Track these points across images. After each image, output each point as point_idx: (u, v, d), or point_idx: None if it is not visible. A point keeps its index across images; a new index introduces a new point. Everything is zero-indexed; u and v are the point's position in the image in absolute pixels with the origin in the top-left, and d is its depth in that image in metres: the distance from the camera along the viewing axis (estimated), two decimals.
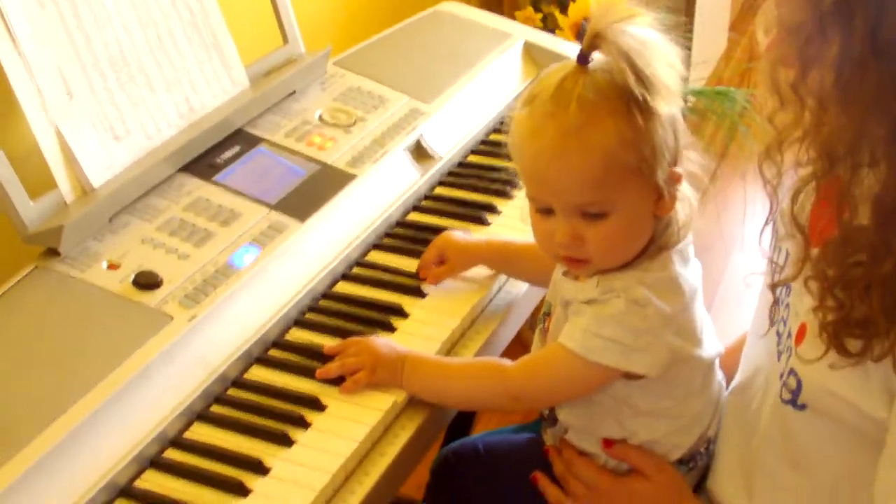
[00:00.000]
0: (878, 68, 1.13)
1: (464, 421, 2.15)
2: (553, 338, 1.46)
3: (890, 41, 1.13)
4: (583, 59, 1.33)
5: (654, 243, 1.40)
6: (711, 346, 1.47)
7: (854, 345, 1.20)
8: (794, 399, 1.30)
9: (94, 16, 1.65)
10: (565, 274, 1.47)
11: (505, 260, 1.69)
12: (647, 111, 1.31)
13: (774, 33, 1.25)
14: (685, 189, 1.40)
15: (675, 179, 1.37)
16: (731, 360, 1.54)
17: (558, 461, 1.53)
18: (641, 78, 1.30)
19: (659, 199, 1.37)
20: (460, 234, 1.73)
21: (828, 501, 1.33)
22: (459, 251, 1.68)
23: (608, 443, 1.48)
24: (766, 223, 1.38)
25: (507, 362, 1.48)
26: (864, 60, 1.13)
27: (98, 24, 1.66)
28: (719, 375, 1.52)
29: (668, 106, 1.33)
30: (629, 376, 1.40)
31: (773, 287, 1.38)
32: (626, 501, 1.48)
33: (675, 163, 1.37)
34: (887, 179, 1.17)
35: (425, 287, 1.67)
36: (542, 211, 1.39)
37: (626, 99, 1.30)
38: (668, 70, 1.32)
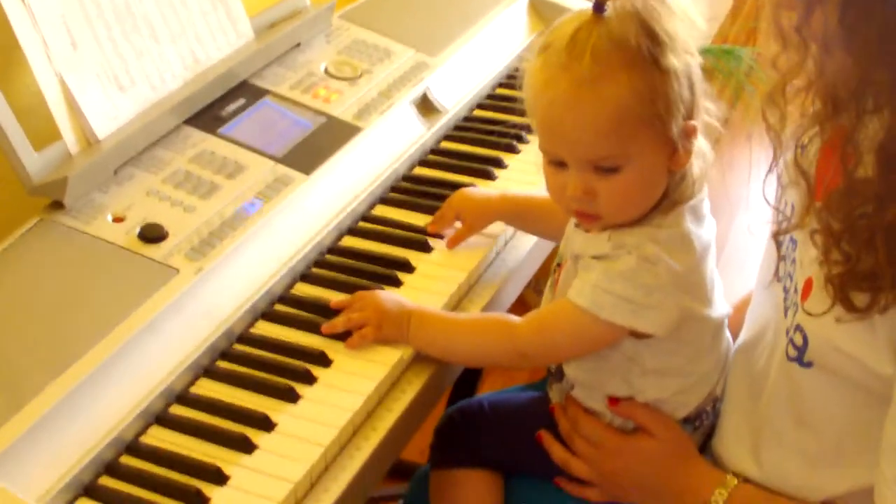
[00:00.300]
0: (882, 11, 1.12)
1: (469, 381, 2.15)
2: (563, 290, 1.45)
3: None
4: (598, 7, 1.31)
5: (667, 198, 1.38)
6: (721, 305, 1.45)
7: (860, 298, 1.19)
8: (801, 356, 1.30)
9: None
10: (577, 225, 1.46)
11: (521, 214, 1.68)
12: (661, 64, 1.30)
13: None
14: (700, 142, 1.38)
15: (689, 133, 1.35)
16: (736, 319, 1.53)
17: (563, 419, 1.52)
18: (656, 30, 1.29)
19: (673, 153, 1.35)
20: (475, 189, 1.72)
21: (834, 459, 1.33)
22: (477, 209, 1.67)
23: (613, 401, 1.47)
24: (770, 171, 1.37)
25: (514, 318, 1.47)
26: (869, 2, 1.13)
27: None
28: (728, 334, 1.51)
29: (684, 58, 1.32)
30: (637, 334, 1.39)
31: (776, 236, 1.37)
32: (632, 460, 1.47)
33: (690, 116, 1.35)
34: (891, 126, 1.16)
35: (432, 241, 1.66)
36: (555, 164, 1.38)
37: (640, 51, 1.29)
38: (685, 22, 1.31)
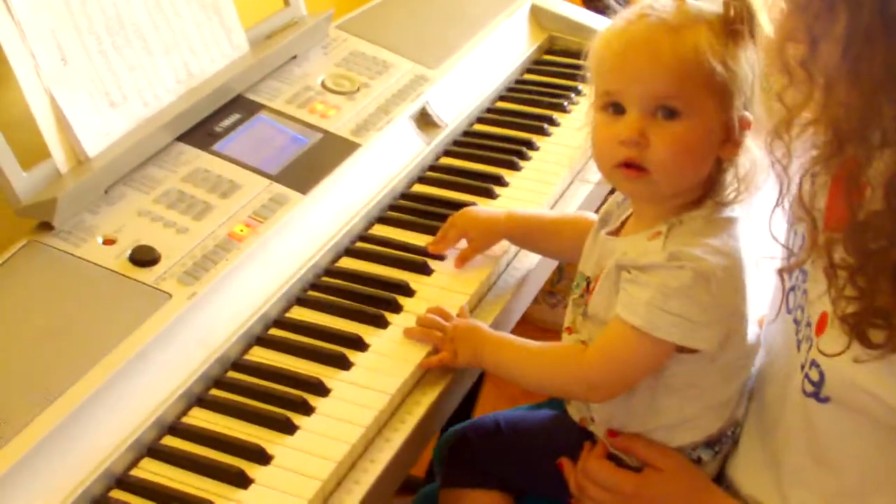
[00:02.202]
0: (887, 44, 1.11)
1: (464, 404, 2.11)
2: (600, 304, 1.41)
3: None
4: None
5: (714, 194, 1.37)
6: (753, 327, 1.42)
7: (877, 335, 1.16)
8: (817, 392, 1.26)
9: None
10: (610, 234, 1.43)
11: (528, 234, 1.65)
12: (739, 41, 1.31)
13: (784, 10, 1.23)
14: (752, 145, 1.36)
15: (744, 124, 1.35)
16: None
17: (573, 473, 1.48)
18: (742, 10, 1.31)
19: (727, 139, 1.35)
20: (480, 208, 1.69)
21: (858, 498, 1.29)
22: (483, 229, 1.64)
23: (612, 433, 1.44)
24: (777, 205, 1.33)
25: (583, 349, 1.43)
26: (872, 35, 1.11)
27: None
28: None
29: (757, 46, 1.33)
30: (682, 350, 1.36)
31: (781, 272, 1.35)
32: (651, 501, 1.43)
33: (746, 107, 1.35)
34: None
35: (432, 263, 1.62)
36: (612, 109, 1.36)
37: (722, 22, 1.32)
38: (765, 14, 1.32)
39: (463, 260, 1.63)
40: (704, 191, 1.38)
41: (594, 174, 1.51)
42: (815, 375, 1.25)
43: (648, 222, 1.39)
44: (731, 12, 1.32)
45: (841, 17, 1.13)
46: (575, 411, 1.52)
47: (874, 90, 1.12)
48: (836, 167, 1.21)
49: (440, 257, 1.64)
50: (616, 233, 1.45)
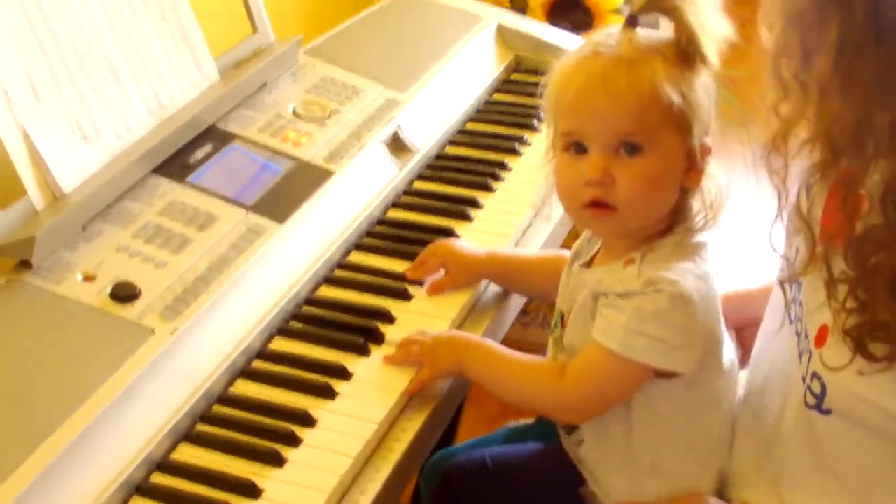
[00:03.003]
0: (878, 54, 1.12)
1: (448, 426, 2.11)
2: (574, 335, 1.42)
3: (890, 26, 1.11)
4: (632, 20, 1.34)
5: (683, 221, 1.38)
6: (730, 348, 1.45)
7: (879, 349, 1.17)
8: (819, 404, 1.27)
9: (59, 10, 1.57)
10: (584, 265, 1.44)
11: (508, 273, 1.65)
12: (693, 67, 1.33)
13: (777, 24, 1.24)
14: (716, 171, 1.38)
15: (705, 151, 1.36)
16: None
17: None
18: (694, 36, 1.32)
19: (690, 167, 1.36)
20: (461, 244, 1.68)
21: None
22: (462, 265, 1.64)
23: None
24: (777, 218, 1.34)
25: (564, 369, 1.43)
26: (864, 46, 1.12)
27: (63, 18, 1.57)
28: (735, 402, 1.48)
29: (710, 71, 1.34)
30: (659, 374, 1.37)
31: (782, 284, 1.36)
32: None
33: (706, 134, 1.36)
34: (894, 173, 1.14)
35: (411, 289, 1.62)
36: (574, 149, 1.37)
37: (674, 50, 1.33)
38: (715, 39, 1.33)
39: (437, 290, 1.63)
40: (672, 219, 1.39)
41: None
42: (816, 388, 1.26)
43: (619, 253, 1.40)
44: (683, 38, 1.32)
45: (832, 28, 1.14)
46: (567, 444, 1.51)
47: (866, 100, 1.13)
48: (832, 179, 1.23)
49: (419, 283, 1.64)
50: (588, 265, 1.46)
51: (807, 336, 1.29)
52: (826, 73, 1.16)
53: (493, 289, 1.68)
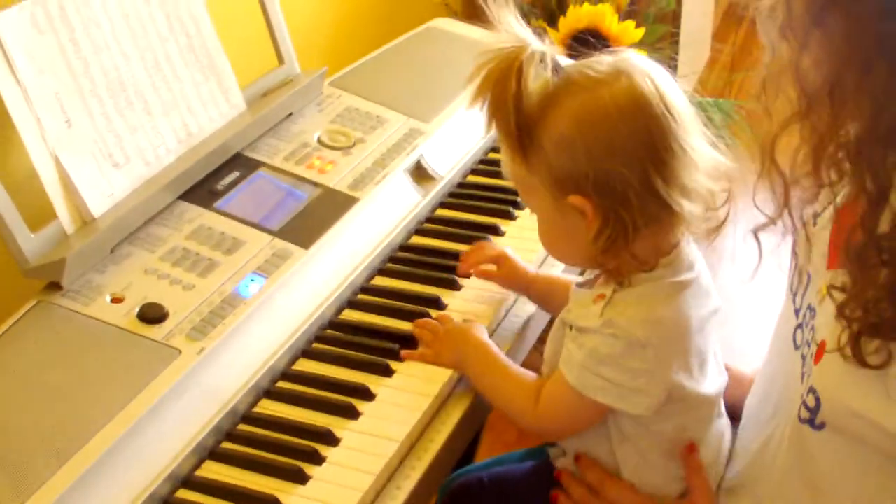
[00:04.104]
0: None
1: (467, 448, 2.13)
2: (549, 353, 1.47)
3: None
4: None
5: (665, 258, 1.37)
6: (713, 380, 1.44)
7: (875, 358, 1.17)
8: (813, 418, 1.27)
9: (91, 41, 1.61)
10: (580, 285, 1.45)
11: (551, 292, 1.65)
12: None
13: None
14: (689, 206, 1.34)
15: (575, 204, 1.34)
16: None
17: (575, 485, 1.49)
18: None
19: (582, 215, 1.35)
20: (516, 255, 1.70)
21: None
22: (511, 270, 1.67)
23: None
24: (785, 236, 1.36)
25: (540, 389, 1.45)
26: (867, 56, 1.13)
27: (96, 49, 1.62)
28: (723, 419, 1.50)
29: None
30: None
31: (793, 296, 1.37)
32: None
33: (577, 188, 1.33)
34: None
35: (433, 313, 1.64)
36: None
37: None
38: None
39: (485, 276, 1.67)
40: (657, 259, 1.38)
41: None
42: (811, 402, 1.27)
43: (598, 284, 1.41)
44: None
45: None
46: (555, 459, 1.54)
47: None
48: (852, 193, 1.22)
49: (440, 306, 1.66)
50: (585, 285, 1.46)
51: (812, 356, 1.30)
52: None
53: (513, 313, 1.70)
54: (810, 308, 1.33)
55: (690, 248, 1.41)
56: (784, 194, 1.29)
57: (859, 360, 1.18)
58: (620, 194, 1.31)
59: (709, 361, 1.42)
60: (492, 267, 1.68)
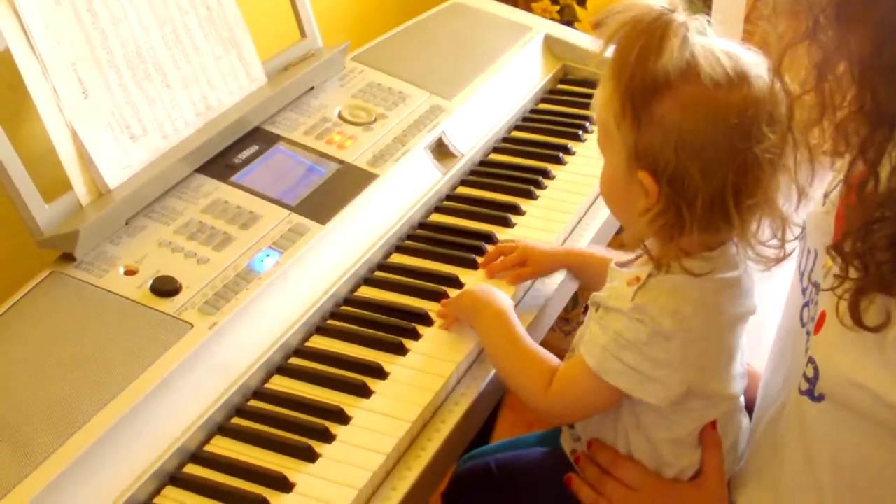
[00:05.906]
0: None
1: (482, 429, 2.12)
2: (578, 338, 1.44)
3: None
4: None
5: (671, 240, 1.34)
6: (738, 381, 1.42)
7: (874, 319, 1.16)
8: (812, 389, 1.26)
9: (109, 12, 1.60)
10: (619, 264, 1.44)
11: (585, 266, 1.65)
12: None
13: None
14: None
15: (642, 181, 1.31)
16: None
17: (591, 466, 1.48)
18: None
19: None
20: (538, 243, 1.70)
21: (851, 500, 1.28)
22: (542, 257, 1.66)
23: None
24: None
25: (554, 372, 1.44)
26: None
27: (114, 20, 1.61)
28: (743, 415, 1.48)
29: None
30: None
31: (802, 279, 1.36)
32: (669, 502, 1.44)
33: (655, 168, 1.30)
34: None
35: (450, 292, 1.63)
36: None
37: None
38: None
39: (519, 277, 1.65)
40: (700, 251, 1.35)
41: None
42: (810, 372, 1.25)
43: (643, 260, 1.38)
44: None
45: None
46: (567, 444, 1.53)
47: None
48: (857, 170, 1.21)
49: (458, 285, 1.64)
50: (627, 264, 1.45)
51: (813, 329, 1.29)
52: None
53: (532, 294, 1.68)
54: (815, 284, 1.32)
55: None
56: (788, 115, 1.27)
57: (857, 321, 1.16)
58: (690, 195, 1.28)
59: (735, 360, 1.40)
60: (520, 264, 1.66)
